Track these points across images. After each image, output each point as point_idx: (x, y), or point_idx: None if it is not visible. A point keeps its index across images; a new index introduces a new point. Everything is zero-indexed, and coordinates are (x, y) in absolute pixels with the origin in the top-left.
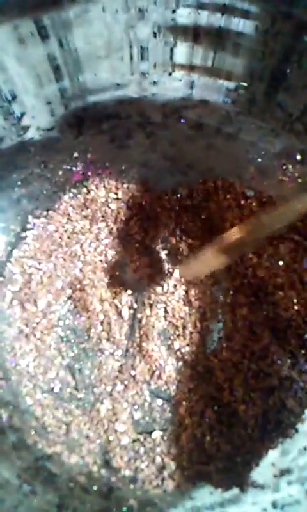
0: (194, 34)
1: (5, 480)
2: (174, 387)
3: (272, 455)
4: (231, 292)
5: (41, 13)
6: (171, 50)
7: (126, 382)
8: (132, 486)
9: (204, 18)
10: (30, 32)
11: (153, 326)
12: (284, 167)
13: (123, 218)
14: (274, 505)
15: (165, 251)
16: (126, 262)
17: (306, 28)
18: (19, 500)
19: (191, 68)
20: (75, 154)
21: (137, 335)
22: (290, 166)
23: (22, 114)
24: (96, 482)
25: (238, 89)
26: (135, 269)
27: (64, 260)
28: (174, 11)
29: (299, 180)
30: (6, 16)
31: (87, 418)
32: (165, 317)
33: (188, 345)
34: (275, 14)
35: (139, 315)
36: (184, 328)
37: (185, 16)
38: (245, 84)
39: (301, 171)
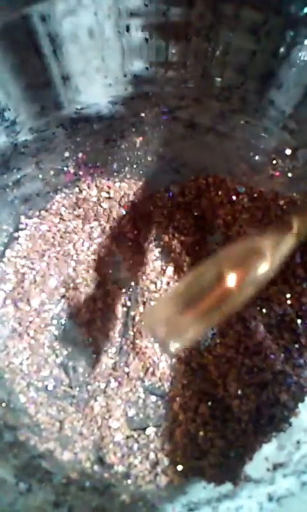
0: (186, 33)
1: (1, 479)
2: (168, 383)
3: (267, 449)
4: None
5: (30, 10)
6: (163, 50)
7: (120, 379)
8: (125, 482)
9: (195, 17)
10: (19, 31)
11: None
12: (274, 161)
13: (116, 217)
14: (270, 498)
15: (159, 249)
16: (119, 261)
17: (297, 25)
18: (15, 498)
19: (184, 67)
20: (66, 154)
21: (130, 332)
22: (280, 161)
23: (15, 117)
24: (89, 478)
25: (230, 87)
26: (128, 267)
27: (57, 259)
28: (165, 13)
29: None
30: None
31: (81, 415)
32: None
33: None
34: (266, 11)
35: (132, 313)
36: None
37: (176, 15)
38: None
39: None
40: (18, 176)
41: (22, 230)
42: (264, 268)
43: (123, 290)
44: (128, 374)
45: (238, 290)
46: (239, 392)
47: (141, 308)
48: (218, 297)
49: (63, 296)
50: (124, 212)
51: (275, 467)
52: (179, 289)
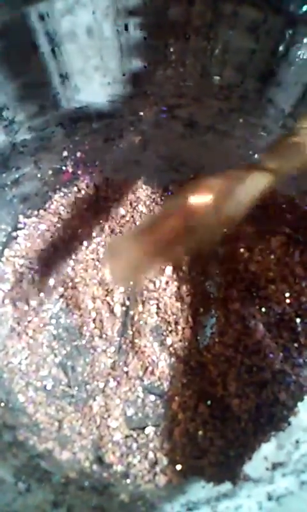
0: (185, 32)
1: (0, 479)
2: (167, 383)
3: (266, 448)
4: (223, 287)
5: (29, 8)
6: (162, 49)
7: (119, 378)
8: (124, 481)
9: (194, 16)
10: (18, 30)
11: (146, 323)
12: None
13: (114, 216)
14: (269, 497)
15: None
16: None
17: (296, 23)
18: (14, 498)
19: (183, 66)
20: (65, 153)
21: (129, 331)
22: None
23: (14, 116)
24: (88, 478)
25: (229, 86)
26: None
27: (56, 258)
28: (164, 11)
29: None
30: None
31: (80, 414)
32: (157, 313)
33: (180, 340)
34: (265, 9)
35: (131, 312)
36: (176, 323)
37: (175, 14)
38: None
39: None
40: (17, 176)
41: (20, 229)
42: (231, 204)
43: (122, 290)
44: (127, 373)
45: (204, 223)
46: (238, 391)
47: (140, 308)
48: (181, 229)
49: (62, 296)
50: (123, 211)
51: (275, 466)
52: (144, 225)
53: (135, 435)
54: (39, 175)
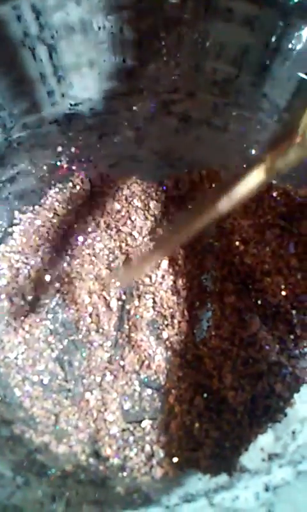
0: (179, 27)
1: None
2: (163, 376)
3: (262, 440)
4: (219, 281)
5: (21, 4)
6: (156, 44)
7: (115, 372)
8: (120, 474)
9: (188, 11)
10: (10, 26)
11: (142, 317)
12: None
13: (110, 211)
14: (266, 488)
15: (153, 243)
16: (114, 255)
17: (289, 15)
18: (12, 492)
19: (177, 61)
20: (60, 149)
21: (126, 325)
22: None
23: (9, 113)
24: (84, 471)
25: (224, 80)
26: (123, 261)
27: (52, 254)
28: (158, 7)
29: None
30: None
31: (77, 408)
32: (153, 307)
33: (177, 334)
34: (259, 2)
35: (127, 306)
36: (172, 317)
37: (169, 9)
38: None
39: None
40: (12, 172)
41: (16, 225)
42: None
43: (118, 284)
44: (123, 367)
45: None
46: (234, 384)
47: (136, 302)
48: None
49: (58, 291)
50: (118, 206)
51: (271, 457)
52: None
53: (131, 428)
54: (34, 171)
